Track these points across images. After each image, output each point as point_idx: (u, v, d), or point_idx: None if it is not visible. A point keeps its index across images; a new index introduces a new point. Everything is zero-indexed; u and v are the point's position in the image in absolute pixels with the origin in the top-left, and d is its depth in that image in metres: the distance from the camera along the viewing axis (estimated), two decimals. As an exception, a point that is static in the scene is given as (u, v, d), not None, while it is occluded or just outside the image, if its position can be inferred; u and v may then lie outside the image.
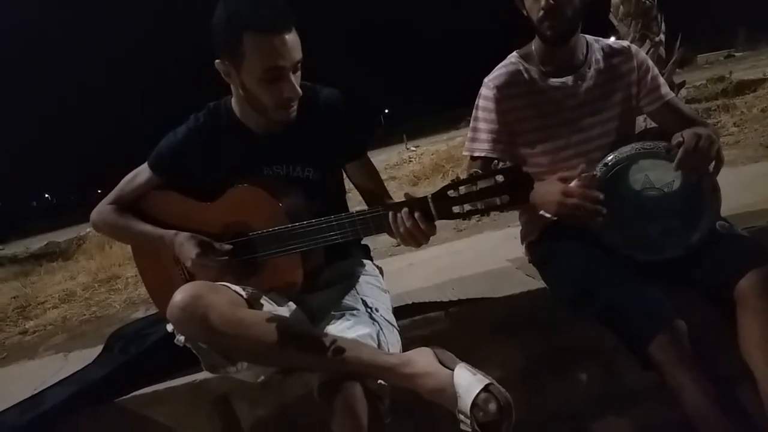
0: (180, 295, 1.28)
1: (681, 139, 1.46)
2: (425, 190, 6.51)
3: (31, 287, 5.91)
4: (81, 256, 7.48)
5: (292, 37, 1.42)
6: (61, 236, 11.55)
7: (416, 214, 1.28)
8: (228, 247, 1.52)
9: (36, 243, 12.10)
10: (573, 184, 1.52)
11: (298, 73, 1.49)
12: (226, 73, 1.50)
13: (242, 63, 1.43)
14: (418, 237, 1.31)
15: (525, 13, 1.67)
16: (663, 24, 6.84)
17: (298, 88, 1.48)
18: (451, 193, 1.24)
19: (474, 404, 1.24)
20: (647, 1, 6.76)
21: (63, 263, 7.50)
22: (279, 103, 1.48)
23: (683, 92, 7.33)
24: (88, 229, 10.38)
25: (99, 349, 2.04)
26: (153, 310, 3.15)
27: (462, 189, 1.23)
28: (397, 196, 1.75)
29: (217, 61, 1.48)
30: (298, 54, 1.45)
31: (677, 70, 7.49)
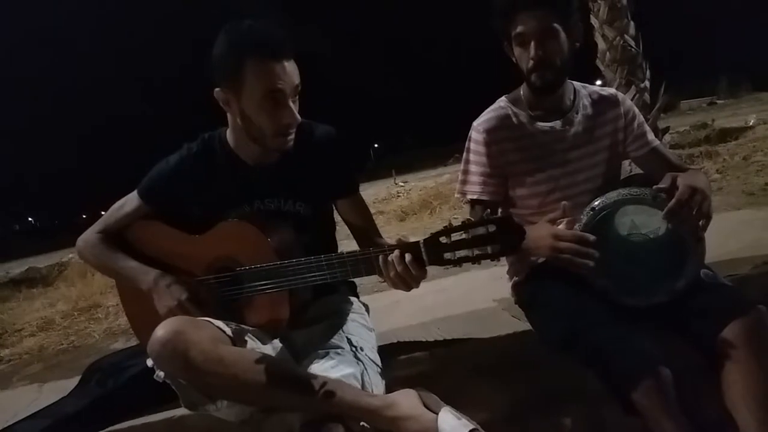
0: (161, 330, 1.26)
1: (671, 181, 1.46)
2: (413, 225, 6.56)
3: (8, 313, 5.78)
4: (62, 283, 7.34)
5: (291, 65, 1.47)
6: (43, 261, 11.37)
7: (407, 259, 1.28)
8: (212, 288, 1.52)
9: (16, 267, 11.90)
10: (561, 225, 1.55)
11: (297, 102, 1.51)
12: (225, 102, 1.52)
13: (242, 89, 1.46)
14: (408, 281, 1.31)
15: (514, 59, 1.71)
16: (648, 70, 7.03)
17: (297, 115, 1.50)
18: (443, 239, 1.25)
19: None
20: (633, 48, 6.95)
21: (43, 290, 7.36)
22: (278, 130, 1.50)
23: (667, 137, 7.49)
24: (70, 255, 10.24)
25: (75, 380, 2.01)
26: (133, 342, 3.10)
27: (454, 236, 1.24)
28: (385, 231, 1.76)
29: (216, 89, 1.50)
30: (296, 79, 1.48)
31: (661, 115, 7.66)
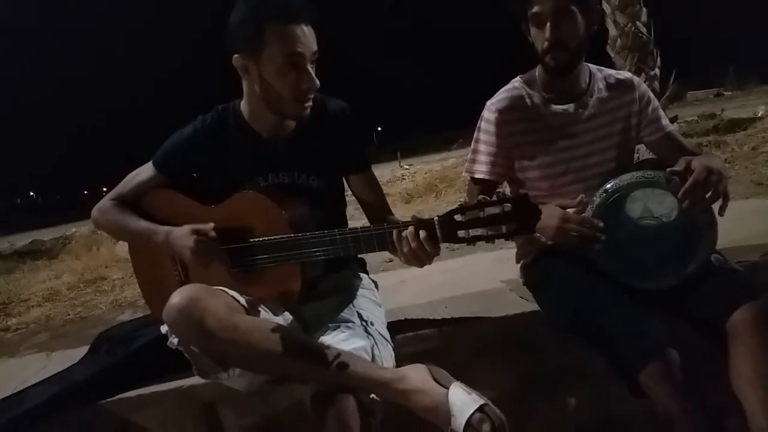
0: (177, 297, 1.28)
1: (685, 165, 1.46)
2: (418, 207, 6.54)
3: (14, 284, 5.77)
4: (66, 256, 7.34)
5: (309, 30, 1.49)
6: (46, 235, 11.38)
7: (422, 235, 1.29)
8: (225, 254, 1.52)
9: (20, 240, 11.90)
10: (571, 210, 1.56)
11: (314, 69, 1.52)
12: (244, 69, 1.52)
13: (262, 53, 1.46)
14: (421, 257, 1.31)
15: (530, 39, 1.70)
16: (659, 58, 6.98)
17: (316, 80, 1.50)
18: (457, 217, 1.25)
19: (468, 424, 1.23)
20: (644, 36, 6.90)
21: (48, 262, 7.35)
22: (297, 95, 1.50)
23: (675, 127, 7.44)
24: (73, 229, 10.24)
25: (83, 349, 2.03)
26: (140, 313, 3.12)
27: (469, 214, 1.23)
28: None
29: (235, 56, 1.51)
30: (315, 46, 1.50)
31: (669, 105, 7.62)
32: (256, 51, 1.47)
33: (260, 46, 1.45)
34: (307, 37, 1.47)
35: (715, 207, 1.48)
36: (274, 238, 1.46)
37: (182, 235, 1.52)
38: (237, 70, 1.53)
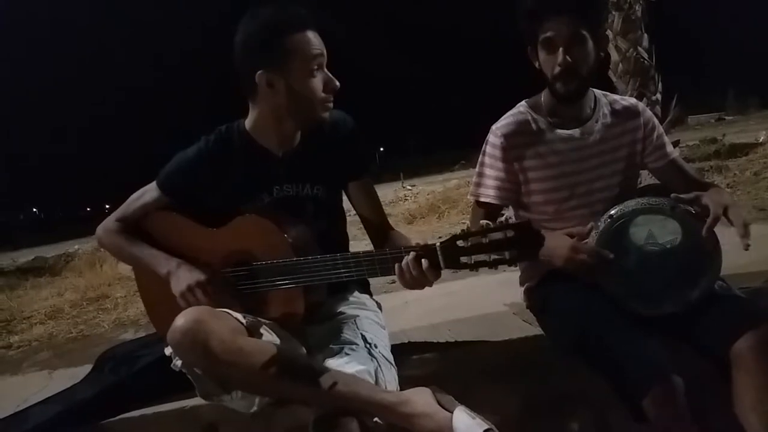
0: (182, 320, 1.28)
1: (694, 197, 1.50)
2: (420, 228, 6.56)
3: (16, 301, 5.76)
4: (69, 273, 7.35)
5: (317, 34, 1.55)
6: (49, 252, 11.39)
7: (424, 265, 1.30)
8: (229, 280, 1.53)
9: (23, 257, 11.92)
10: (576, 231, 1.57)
11: None
12: (269, 83, 1.53)
13: (288, 65, 1.50)
14: (422, 282, 1.32)
15: (537, 65, 1.71)
16: (660, 83, 7.04)
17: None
18: (460, 243, 1.25)
19: None
20: (646, 61, 6.97)
21: (50, 279, 7.36)
22: (326, 97, 1.56)
23: (676, 151, 7.49)
24: (76, 246, 10.28)
25: (85, 368, 2.03)
26: (143, 332, 3.12)
27: (471, 240, 1.24)
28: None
29: (259, 72, 1.51)
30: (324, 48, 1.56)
31: (670, 130, 7.67)
32: (281, 64, 1.50)
33: (285, 57, 1.49)
34: (319, 40, 1.53)
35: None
36: (278, 262, 1.47)
37: (190, 276, 1.53)
38: (257, 86, 1.53)
